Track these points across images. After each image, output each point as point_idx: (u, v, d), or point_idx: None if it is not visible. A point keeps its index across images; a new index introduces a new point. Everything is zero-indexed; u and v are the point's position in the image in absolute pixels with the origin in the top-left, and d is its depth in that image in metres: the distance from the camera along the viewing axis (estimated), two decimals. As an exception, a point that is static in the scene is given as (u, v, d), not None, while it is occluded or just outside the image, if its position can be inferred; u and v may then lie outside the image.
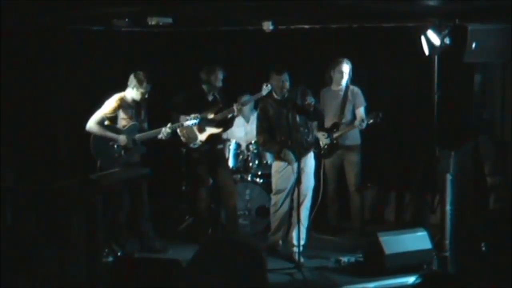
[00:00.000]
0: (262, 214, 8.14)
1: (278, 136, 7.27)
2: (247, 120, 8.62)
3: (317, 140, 7.97)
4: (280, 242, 7.53)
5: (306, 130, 7.31)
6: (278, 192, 7.37)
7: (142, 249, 7.53)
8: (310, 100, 7.15)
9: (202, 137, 7.72)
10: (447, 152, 7.39)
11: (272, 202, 7.47)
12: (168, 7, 7.27)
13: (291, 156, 7.17)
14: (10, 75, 7.86)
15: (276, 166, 7.38)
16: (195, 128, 7.66)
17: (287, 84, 7.20)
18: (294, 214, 7.25)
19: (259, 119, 7.40)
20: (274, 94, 7.31)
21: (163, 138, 7.39)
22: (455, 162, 7.31)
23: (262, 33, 8.21)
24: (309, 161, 7.35)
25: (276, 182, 7.40)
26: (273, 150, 7.38)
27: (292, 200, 7.33)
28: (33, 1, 6.65)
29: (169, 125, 7.40)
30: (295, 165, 7.07)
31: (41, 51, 8.20)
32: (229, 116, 7.69)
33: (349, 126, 8.02)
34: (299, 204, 7.05)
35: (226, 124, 7.83)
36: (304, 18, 8.40)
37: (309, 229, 7.41)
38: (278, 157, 7.35)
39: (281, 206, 7.37)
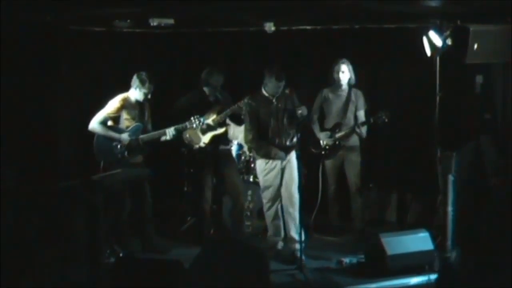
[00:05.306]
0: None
1: (265, 134, 7.37)
2: None
3: (318, 141, 8.07)
4: (281, 242, 7.54)
5: (290, 132, 7.39)
6: (267, 188, 7.44)
7: (144, 250, 7.53)
8: (303, 111, 7.27)
9: (205, 139, 7.73)
10: (449, 153, 7.39)
11: (264, 200, 7.53)
12: (170, 8, 7.28)
13: (281, 154, 7.32)
14: (12, 76, 7.87)
15: (262, 165, 7.46)
16: (197, 130, 7.66)
17: (281, 90, 7.31)
18: (289, 211, 7.36)
19: (249, 116, 7.44)
20: (264, 92, 7.38)
21: (168, 139, 7.40)
22: (457, 163, 7.31)
23: (263, 34, 8.23)
24: (293, 158, 7.42)
25: (263, 179, 7.48)
26: (262, 152, 7.41)
27: (281, 198, 7.42)
28: (35, 2, 6.65)
29: (174, 126, 7.41)
30: (280, 162, 7.32)
31: (43, 52, 8.21)
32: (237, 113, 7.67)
33: (350, 127, 8.03)
34: (290, 201, 7.29)
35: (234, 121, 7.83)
36: (306, 19, 8.41)
37: (303, 224, 7.37)
38: (265, 156, 7.41)
39: (272, 203, 7.44)
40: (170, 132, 7.37)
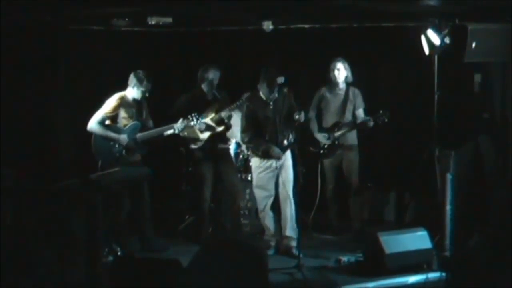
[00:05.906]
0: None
1: (261, 135, 7.38)
2: None
3: (316, 139, 8.06)
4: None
5: (287, 132, 7.39)
6: (259, 187, 7.46)
7: (142, 249, 7.53)
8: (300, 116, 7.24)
9: (203, 136, 7.73)
10: (447, 152, 7.40)
11: (257, 199, 7.55)
12: (168, 7, 7.28)
13: (278, 150, 7.31)
14: (11, 75, 7.88)
15: (257, 163, 7.47)
16: (196, 129, 7.67)
17: (275, 96, 7.32)
18: (285, 211, 7.37)
19: (246, 117, 7.46)
20: (261, 95, 7.38)
21: (177, 132, 7.41)
22: (455, 162, 7.31)
23: (262, 32, 8.23)
24: (288, 157, 7.43)
25: (256, 177, 7.50)
26: (260, 150, 7.41)
27: (276, 198, 7.44)
28: (35, 2, 6.66)
29: (180, 120, 7.40)
30: (275, 161, 7.30)
31: (41, 51, 8.21)
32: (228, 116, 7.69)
33: (349, 126, 8.03)
34: (286, 201, 7.30)
35: (225, 124, 7.82)
36: (304, 18, 8.41)
37: (298, 222, 7.38)
38: (263, 154, 7.40)
39: (265, 203, 7.46)
40: (179, 126, 7.36)
